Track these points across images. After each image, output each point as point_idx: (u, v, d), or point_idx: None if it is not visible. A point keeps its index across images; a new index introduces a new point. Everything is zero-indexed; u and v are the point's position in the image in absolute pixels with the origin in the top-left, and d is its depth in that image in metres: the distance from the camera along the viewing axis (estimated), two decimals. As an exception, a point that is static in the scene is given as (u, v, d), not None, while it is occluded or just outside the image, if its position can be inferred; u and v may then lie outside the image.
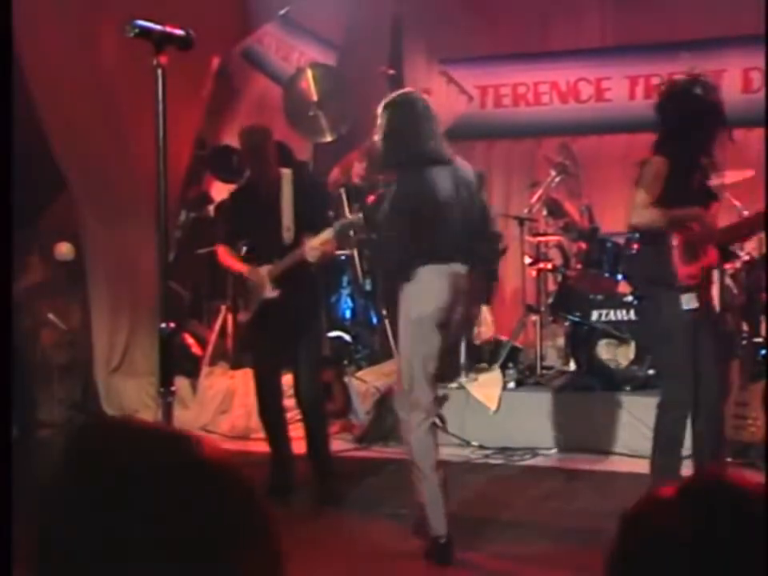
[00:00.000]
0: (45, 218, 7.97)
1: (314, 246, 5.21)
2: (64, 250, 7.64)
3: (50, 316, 7.66)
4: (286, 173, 5.50)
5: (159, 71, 3.02)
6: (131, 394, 7.28)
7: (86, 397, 7.47)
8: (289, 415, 5.83)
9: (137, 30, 2.96)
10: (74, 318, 7.78)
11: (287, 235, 5.39)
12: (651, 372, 6.23)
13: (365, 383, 6.77)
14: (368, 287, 7.17)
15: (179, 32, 3.10)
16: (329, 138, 7.39)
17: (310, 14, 8.41)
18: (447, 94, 8.02)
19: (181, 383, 6.97)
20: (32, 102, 7.18)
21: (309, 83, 7.60)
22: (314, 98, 7.52)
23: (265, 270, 5.39)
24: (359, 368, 7.03)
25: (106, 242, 7.34)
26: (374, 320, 7.28)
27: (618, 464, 5.96)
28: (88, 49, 7.05)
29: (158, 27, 3.00)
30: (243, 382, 6.77)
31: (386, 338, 7.09)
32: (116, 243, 7.33)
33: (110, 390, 7.36)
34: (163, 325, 3.05)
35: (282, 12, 8.39)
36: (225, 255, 5.59)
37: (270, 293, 5.39)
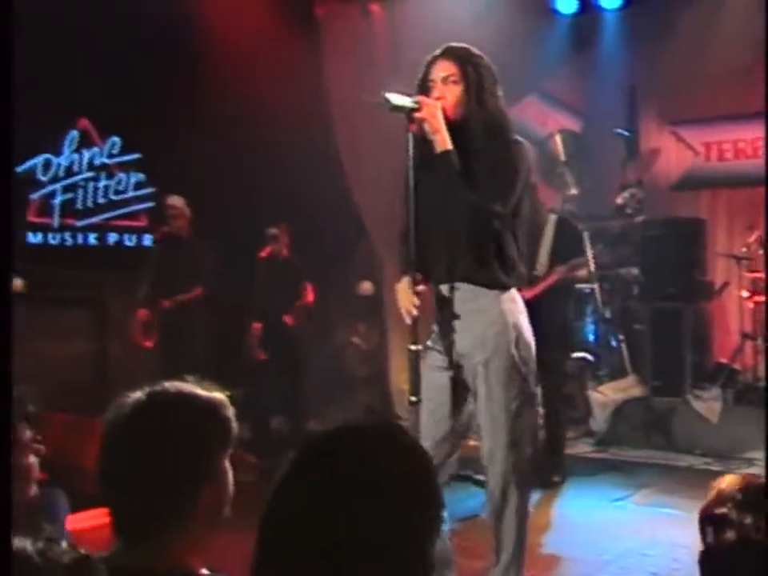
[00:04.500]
0: (352, 261, 8.59)
1: (563, 270, 5.56)
2: (366, 287, 8.24)
3: (354, 339, 8.23)
4: (552, 217, 5.76)
5: (410, 138, 3.05)
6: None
7: (384, 404, 7.77)
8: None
9: (390, 105, 3.02)
10: (374, 340, 8.25)
11: (540, 268, 5.62)
12: None
13: (604, 396, 6.82)
14: (608, 315, 7.23)
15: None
16: (574, 192, 7.52)
17: (561, 86, 8.58)
18: (677, 151, 7.95)
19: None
20: (343, 173, 7.84)
21: (557, 146, 7.81)
22: (562, 158, 7.70)
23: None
24: (600, 383, 7.08)
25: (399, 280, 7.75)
26: (613, 343, 7.30)
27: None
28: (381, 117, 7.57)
29: (409, 104, 3.04)
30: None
31: (622, 358, 7.13)
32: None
33: (403, 399, 7.75)
34: (413, 347, 3.07)
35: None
36: None
37: None
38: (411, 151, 3.03)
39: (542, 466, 5.64)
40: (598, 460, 6.28)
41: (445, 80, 3.16)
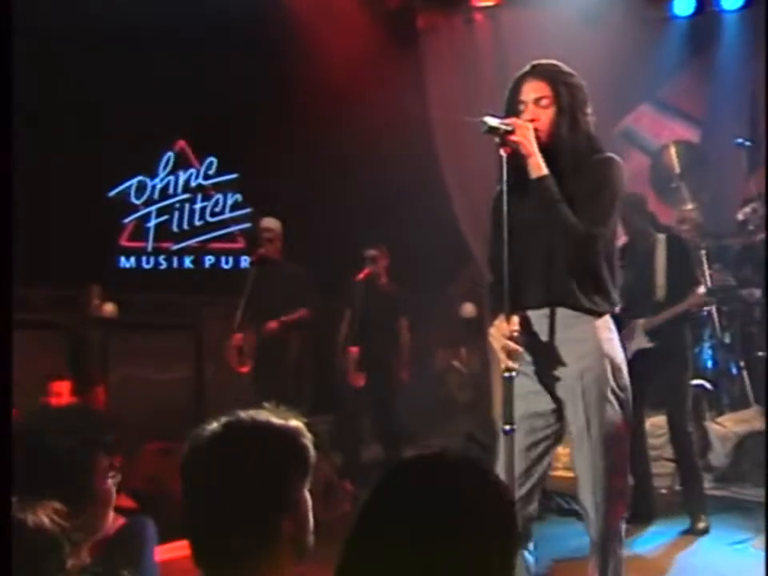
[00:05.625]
0: (455, 284, 8.69)
1: (702, 296, 5.48)
2: (469, 309, 8.34)
3: (455, 363, 8.31)
4: (661, 237, 5.66)
5: (504, 160, 3.11)
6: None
7: (486, 431, 7.85)
8: (655, 453, 5.96)
9: (486, 127, 3.09)
10: (476, 364, 8.32)
11: (659, 293, 5.56)
12: None
13: (724, 428, 6.68)
14: (727, 340, 7.10)
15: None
16: (689, 207, 7.44)
17: (677, 93, 8.51)
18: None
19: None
20: (447, 194, 7.95)
21: (672, 158, 7.75)
22: (677, 170, 7.64)
23: (639, 323, 5.53)
24: (719, 414, 6.94)
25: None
26: (733, 370, 7.16)
27: None
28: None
29: (503, 126, 3.11)
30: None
31: (743, 387, 6.98)
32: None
33: (505, 426, 7.76)
34: (507, 374, 3.09)
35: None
36: None
37: (645, 344, 5.52)
38: (505, 176, 3.09)
39: (686, 509, 5.59)
40: (717, 498, 6.12)
41: (537, 102, 3.19)
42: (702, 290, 5.53)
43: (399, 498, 1.33)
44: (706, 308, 7.00)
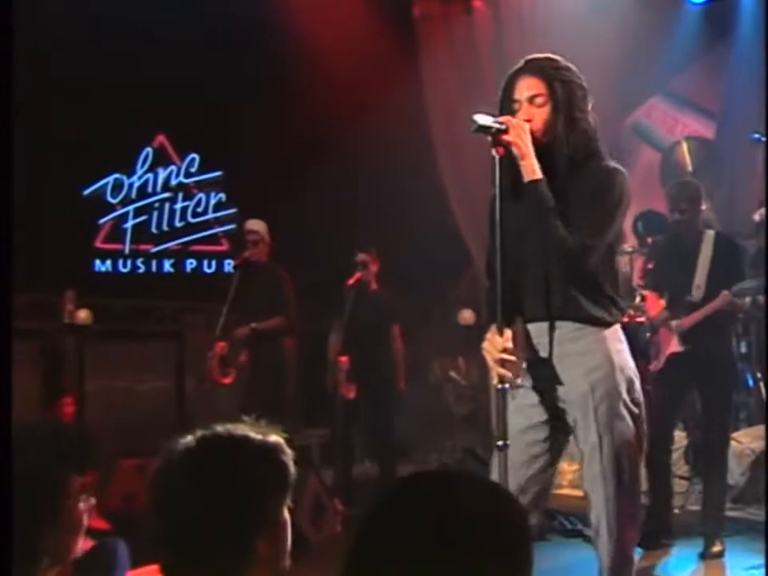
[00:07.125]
0: (453, 290, 8.71)
1: (727, 296, 5.27)
2: (467, 316, 8.35)
3: (452, 374, 8.33)
4: (709, 234, 5.55)
5: (496, 160, 3.08)
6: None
7: (486, 446, 7.86)
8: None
9: (476, 126, 3.05)
10: (474, 375, 8.34)
11: (696, 293, 5.43)
12: None
13: (740, 444, 6.67)
14: (743, 350, 7.10)
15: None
16: (702, 207, 7.45)
17: (691, 85, 8.54)
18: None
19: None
20: (444, 194, 7.97)
21: (684, 155, 7.79)
22: (689, 168, 7.68)
23: (673, 324, 5.45)
24: (735, 429, 6.92)
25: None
26: (750, 382, 7.17)
27: None
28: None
29: (495, 125, 3.08)
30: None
31: (760, 400, 7.00)
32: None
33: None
34: (500, 386, 3.08)
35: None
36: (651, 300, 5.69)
37: (678, 347, 5.44)
38: (498, 178, 3.06)
39: (701, 530, 5.52)
40: (733, 519, 6.07)
41: (531, 100, 3.17)
42: (725, 293, 5.33)
43: (402, 519, 1.31)
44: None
